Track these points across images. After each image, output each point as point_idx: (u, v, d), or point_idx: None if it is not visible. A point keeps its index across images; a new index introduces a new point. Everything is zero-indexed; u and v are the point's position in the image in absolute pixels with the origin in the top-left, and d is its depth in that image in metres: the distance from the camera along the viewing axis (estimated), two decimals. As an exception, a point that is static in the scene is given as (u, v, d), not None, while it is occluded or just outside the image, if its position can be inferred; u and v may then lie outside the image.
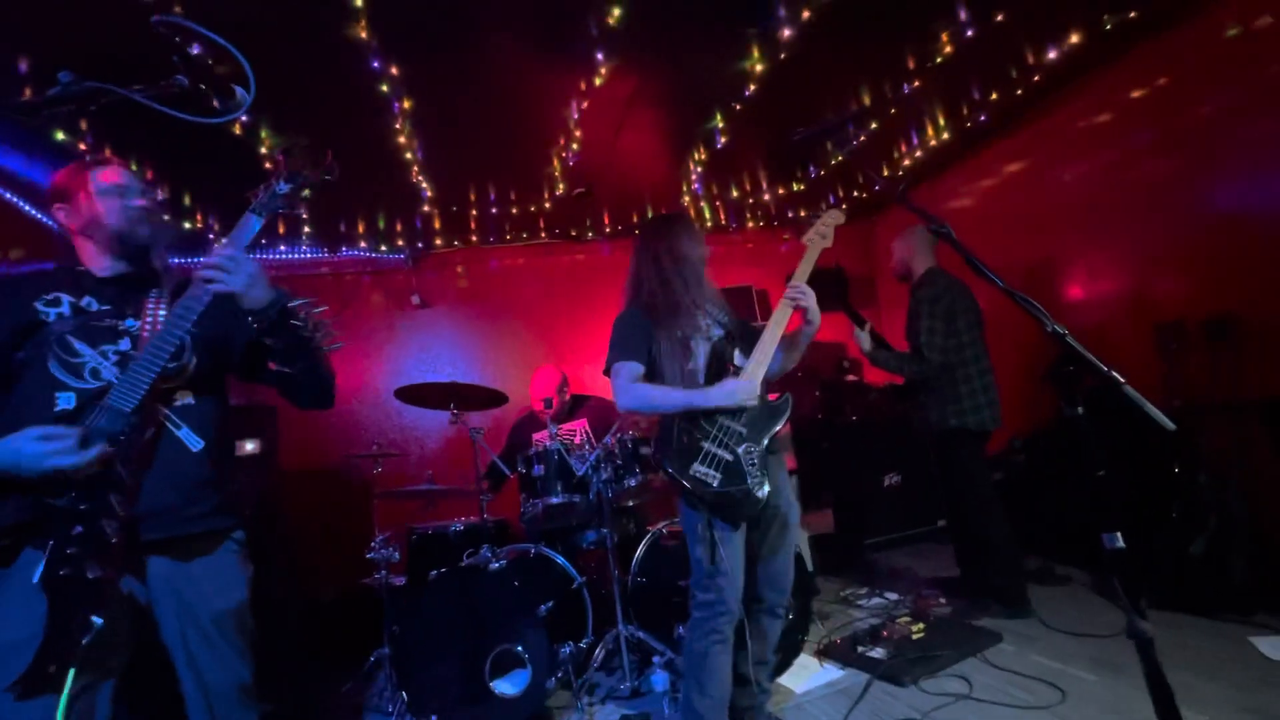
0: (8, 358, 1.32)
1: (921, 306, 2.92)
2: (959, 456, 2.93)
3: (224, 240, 1.35)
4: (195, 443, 1.40)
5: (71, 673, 1.12)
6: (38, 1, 2.09)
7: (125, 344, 1.38)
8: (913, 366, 2.92)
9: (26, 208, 3.13)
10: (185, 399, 1.42)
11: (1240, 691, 2.00)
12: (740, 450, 1.82)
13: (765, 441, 1.86)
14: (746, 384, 1.81)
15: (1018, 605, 2.82)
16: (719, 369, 1.91)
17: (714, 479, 1.77)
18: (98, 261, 1.45)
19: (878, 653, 2.53)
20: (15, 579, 1.21)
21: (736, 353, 1.95)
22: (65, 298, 1.38)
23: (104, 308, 1.40)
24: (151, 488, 1.29)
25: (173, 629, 1.35)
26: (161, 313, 1.40)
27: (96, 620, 1.15)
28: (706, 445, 1.81)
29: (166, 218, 1.51)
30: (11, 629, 1.16)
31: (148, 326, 1.38)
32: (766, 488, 1.81)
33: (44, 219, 3.23)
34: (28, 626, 1.13)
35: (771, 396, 1.97)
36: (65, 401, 1.29)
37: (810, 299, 1.88)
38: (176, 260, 4.02)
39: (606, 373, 1.98)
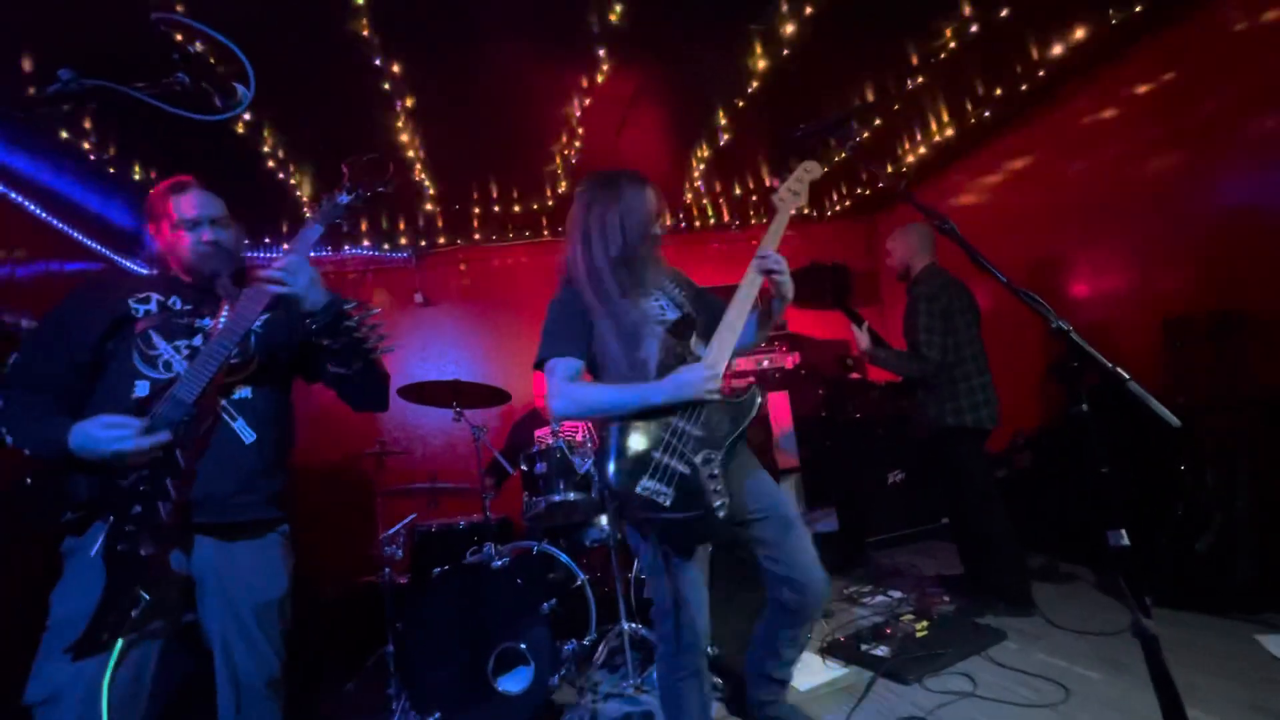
0: (101, 347, 1.45)
1: (919, 304, 2.91)
2: (958, 454, 2.93)
3: (288, 248, 1.47)
4: (248, 435, 1.48)
5: (120, 642, 1.23)
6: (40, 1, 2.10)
7: (198, 340, 1.50)
8: (912, 364, 2.91)
9: (31, 207, 3.14)
10: (243, 392, 1.51)
11: (1248, 689, 1.98)
12: (698, 460, 1.49)
13: (727, 446, 1.53)
14: (702, 372, 1.49)
15: (1021, 603, 2.81)
16: (675, 359, 1.59)
17: (665, 497, 1.46)
18: (181, 273, 1.60)
19: (881, 650, 2.53)
20: (86, 553, 1.31)
21: (695, 337, 1.64)
22: (155, 296, 1.52)
23: (186, 307, 1.54)
24: (206, 475, 1.39)
25: (213, 617, 1.42)
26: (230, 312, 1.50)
27: (145, 595, 1.26)
28: (657, 455, 1.49)
29: (235, 246, 1.60)
30: (77, 601, 1.26)
31: (220, 324, 1.47)
32: (727, 508, 1.49)
33: (48, 219, 3.24)
34: (91, 600, 1.25)
35: (732, 381, 1.82)
36: (141, 389, 1.41)
37: (781, 265, 1.62)
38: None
39: (538, 368, 1.69)
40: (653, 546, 1.57)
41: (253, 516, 1.48)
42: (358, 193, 1.51)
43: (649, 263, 1.71)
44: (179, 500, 1.32)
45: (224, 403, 1.47)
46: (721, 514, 1.47)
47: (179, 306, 1.53)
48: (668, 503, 1.46)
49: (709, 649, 1.67)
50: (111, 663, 1.22)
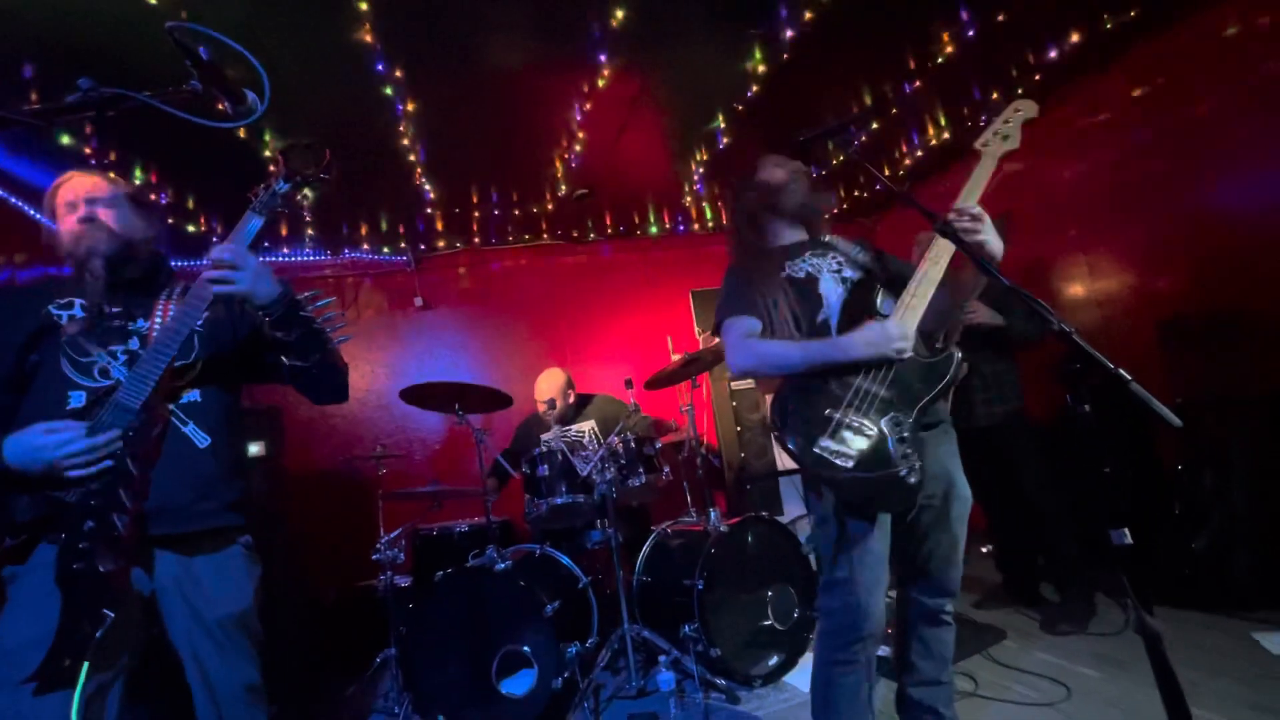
0: (23, 360, 1.35)
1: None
2: (1021, 440, 2.81)
3: (225, 241, 1.35)
4: (202, 439, 1.41)
5: (85, 667, 1.12)
6: (43, 6, 2.10)
7: (134, 344, 1.40)
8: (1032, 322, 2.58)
9: (31, 211, 3.14)
10: (191, 395, 1.43)
11: (1246, 687, 2.00)
12: (884, 423, 1.39)
13: (917, 411, 1.42)
14: (894, 328, 1.40)
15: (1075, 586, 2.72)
16: (857, 317, 1.49)
17: (847, 460, 1.37)
18: (73, 265, 1.46)
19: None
20: (32, 576, 1.22)
21: (880, 296, 1.54)
22: (78, 301, 1.41)
23: (114, 310, 1.43)
24: (160, 483, 1.30)
25: (179, 629, 1.35)
26: (171, 312, 1.41)
27: (109, 613, 1.16)
28: (838, 415, 1.40)
29: (124, 225, 1.46)
30: (28, 627, 1.16)
31: (156, 326, 1.39)
32: (918, 474, 1.37)
33: (47, 223, 3.24)
34: (44, 624, 1.14)
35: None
36: (76, 400, 1.31)
37: (984, 221, 1.44)
38: (179, 264, 4.03)
39: (715, 332, 1.66)
40: (831, 508, 1.46)
41: (212, 524, 1.40)
42: (295, 180, 1.43)
43: (813, 223, 1.75)
44: (135, 511, 1.23)
45: (172, 408, 1.38)
46: (911, 480, 1.36)
47: (106, 310, 1.42)
48: (849, 464, 1.37)
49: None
50: (79, 691, 1.11)
